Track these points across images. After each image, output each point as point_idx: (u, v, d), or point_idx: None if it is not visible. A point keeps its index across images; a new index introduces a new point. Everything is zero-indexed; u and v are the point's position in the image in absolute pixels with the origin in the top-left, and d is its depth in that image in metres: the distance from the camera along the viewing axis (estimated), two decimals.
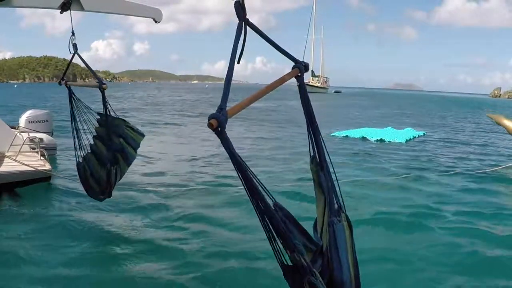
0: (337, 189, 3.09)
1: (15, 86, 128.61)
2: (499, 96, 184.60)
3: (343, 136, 22.01)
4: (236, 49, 2.51)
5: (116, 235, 7.67)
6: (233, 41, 2.54)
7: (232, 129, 24.42)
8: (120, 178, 7.29)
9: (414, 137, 22.95)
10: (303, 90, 3.05)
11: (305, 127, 3.14)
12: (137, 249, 7.01)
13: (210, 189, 10.76)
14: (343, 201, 3.10)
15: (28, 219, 8.20)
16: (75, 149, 7.33)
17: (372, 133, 22.48)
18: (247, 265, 6.51)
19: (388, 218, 8.97)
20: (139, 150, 7.37)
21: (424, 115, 46.41)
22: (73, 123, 7.31)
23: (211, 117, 2.08)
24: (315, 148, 3.08)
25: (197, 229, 8.06)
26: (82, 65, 7.17)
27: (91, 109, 7.36)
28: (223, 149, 2.18)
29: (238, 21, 2.66)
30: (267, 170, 13.15)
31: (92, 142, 7.25)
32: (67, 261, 6.43)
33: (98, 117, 7.13)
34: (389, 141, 20.77)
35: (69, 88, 7.34)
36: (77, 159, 7.38)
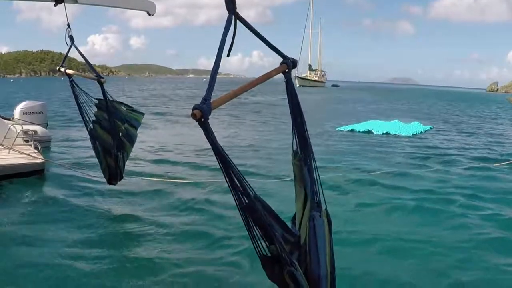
0: (318, 184, 3.08)
1: (12, 80, 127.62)
2: (496, 90, 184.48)
3: (349, 130, 21.67)
4: (224, 42, 2.48)
5: (110, 224, 7.68)
6: (222, 33, 2.53)
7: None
8: (127, 160, 7.60)
9: (421, 131, 22.41)
10: (290, 85, 3.04)
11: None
12: (130, 237, 7.08)
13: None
14: (324, 197, 3.08)
15: (21, 211, 8.17)
16: (91, 137, 7.33)
17: (378, 126, 22.06)
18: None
19: (399, 210, 8.84)
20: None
21: (428, 109, 45.95)
22: (80, 109, 7.31)
23: (195, 107, 2.09)
24: (299, 143, 3.08)
25: (196, 219, 8.12)
26: (79, 59, 7.51)
27: (90, 95, 7.40)
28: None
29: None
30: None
31: (92, 127, 7.29)
32: (60, 250, 6.45)
33: (97, 101, 7.28)
34: (395, 134, 20.39)
35: (69, 76, 7.32)
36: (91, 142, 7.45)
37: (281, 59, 3.00)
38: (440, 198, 9.74)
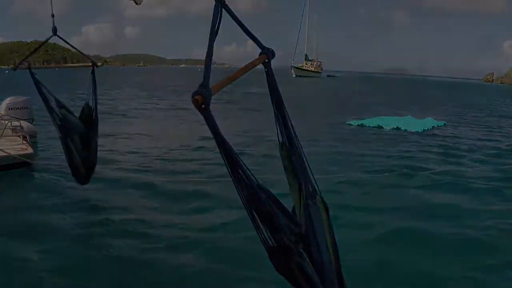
0: (309, 172, 3.05)
1: (6, 72, 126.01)
2: (492, 81, 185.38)
3: (358, 125, 20.97)
4: (214, 29, 2.49)
5: (99, 216, 7.85)
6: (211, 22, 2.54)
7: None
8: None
9: (433, 127, 21.46)
10: (270, 76, 3.04)
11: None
12: (121, 229, 7.21)
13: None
14: (316, 184, 3.03)
15: (12, 200, 8.41)
16: (62, 133, 6.92)
17: (389, 122, 21.24)
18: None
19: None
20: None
21: (434, 102, 43.77)
22: (48, 106, 6.92)
23: (195, 93, 1.98)
24: (284, 133, 3.07)
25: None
26: (73, 48, 7.26)
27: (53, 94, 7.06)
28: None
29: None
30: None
31: (60, 124, 6.87)
32: (51, 238, 6.71)
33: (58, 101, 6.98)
34: (405, 130, 19.68)
35: (32, 75, 6.87)
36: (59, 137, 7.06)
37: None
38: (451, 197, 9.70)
